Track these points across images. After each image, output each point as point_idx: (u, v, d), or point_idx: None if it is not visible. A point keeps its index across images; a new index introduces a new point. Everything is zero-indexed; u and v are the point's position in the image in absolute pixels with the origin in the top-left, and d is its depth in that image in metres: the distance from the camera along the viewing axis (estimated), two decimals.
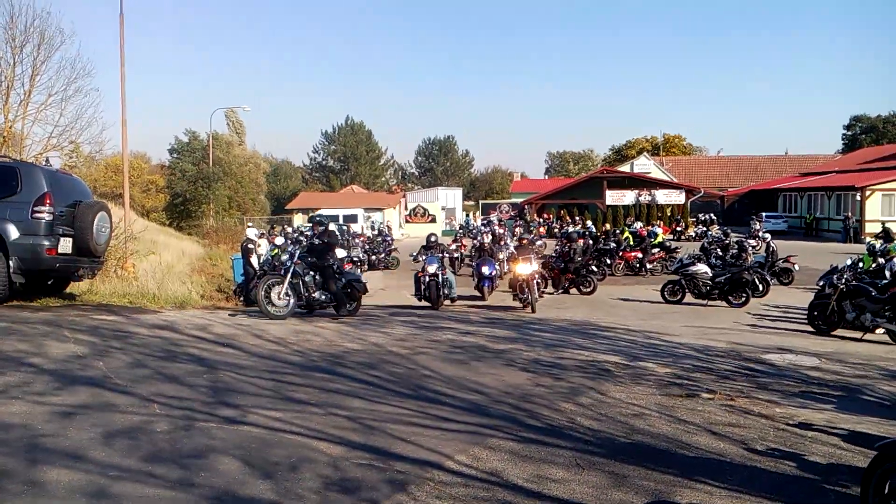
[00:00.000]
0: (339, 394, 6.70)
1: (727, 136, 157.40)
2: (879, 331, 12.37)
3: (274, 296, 11.84)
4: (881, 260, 15.06)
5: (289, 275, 11.91)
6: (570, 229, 28.36)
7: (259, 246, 19.74)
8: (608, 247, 24.71)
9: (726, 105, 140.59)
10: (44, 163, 14.46)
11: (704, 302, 16.85)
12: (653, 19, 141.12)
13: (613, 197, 47.62)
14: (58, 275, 12.05)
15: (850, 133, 79.87)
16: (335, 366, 7.96)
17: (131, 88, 76.81)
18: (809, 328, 13.13)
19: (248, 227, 24.40)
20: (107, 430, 5.28)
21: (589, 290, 19.47)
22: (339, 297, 12.47)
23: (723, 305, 16.59)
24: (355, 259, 21.71)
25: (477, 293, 18.07)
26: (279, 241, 21.02)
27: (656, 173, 57.93)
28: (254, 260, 18.60)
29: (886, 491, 3.97)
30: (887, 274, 13.20)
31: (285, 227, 35.86)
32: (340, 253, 19.72)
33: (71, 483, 4.30)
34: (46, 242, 10.77)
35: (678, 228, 42.09)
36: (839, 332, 12.80)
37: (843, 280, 12.80)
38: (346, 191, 71.44)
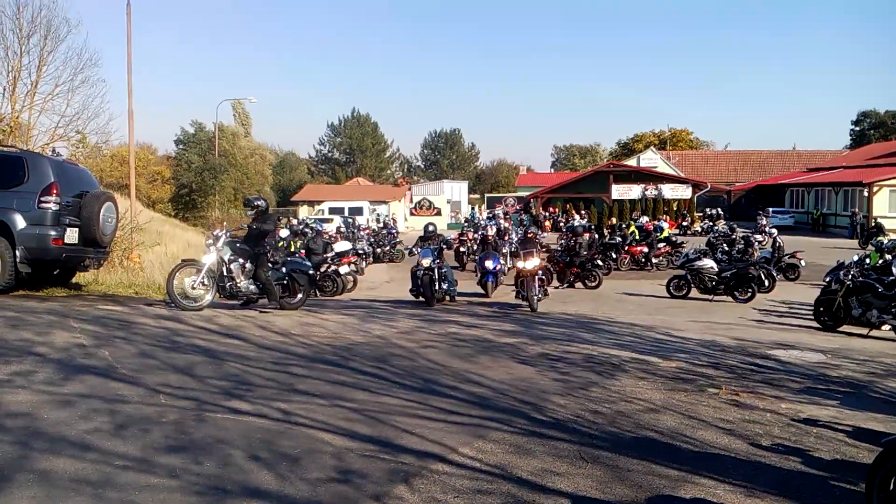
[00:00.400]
0: (345, 386, 6.71)
1: (734, 131, 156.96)
2: (886, 327, 12.32)
3: (187, 285, 10.68)
4: (888, 256, 14.98)
5: (208, 262, 10.85)
6: (576, 223, 28.33)
7: None
8: (614, 241, 24.67)
9: (734, 100, 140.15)
10: (50, 153, 14.48)
11: (710, 297, 16.80)
12: (660, 14, 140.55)
13: (619, 191, 47.45)
14: (64, 265, 12.08)
15: (858, 129, 79.43)
16: (340, 358, 7.97)
17: (138, 79, 76.75)
18: (815, 324, 13.09)
19: None
20: (112, 420, 5.30)
21: (594, 284, 19.45)
22: (269, 289, 11.10)
23: (728, 301, 16.55)
24: (360, 251, 21.63)
25: (480, 290, 16.97)
26: (284, 232, 21.05)
27: (663, 168, 57.71)
28: None
29: (892, 487, 3.95)
30: (894, 270, 13.14)
31: (291, 218, 35.86)
32: (344, 245, 19.74)
33: (77, 472, 4.32)
34: (53, 232, 10.80)
35: (684, 223, 41.98)
36: (845, 328, 12.75)
37: (850, 276, 12.75)
38: (352, 183, 71.50)
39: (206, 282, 10.77)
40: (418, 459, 4.84)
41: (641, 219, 33.00)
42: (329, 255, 18.06)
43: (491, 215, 35.34)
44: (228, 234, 11.42)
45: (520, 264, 14.57)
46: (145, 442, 4.90)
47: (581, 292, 18.71)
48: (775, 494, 4.49)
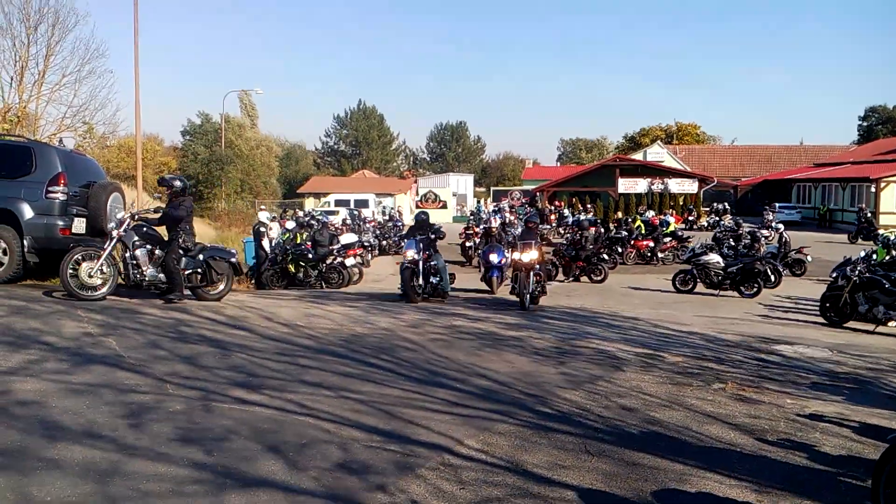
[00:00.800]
0: (350, 377, 6.72)
1: (741, 126, 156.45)
2: (892, 323, 12.29)
3: (83, 273, 9.81)
4: (895, 252, 14.94)
5: (108, 247, 9.95)
6: (582, 217, 28.27)
7: (271, 229, 19.80)
8: (619, 235, 24.62)
9: (741, 94, 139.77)
10: (57, 143, 14.51)
11: (716, 292, 16.77)
12: (668, 6, 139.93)
13: (626, 185, 47.36)
14: None
15: (865, 124, 79.07)
16: (346, 349, 7.99)
17: (145, 70, 76.59)
18: (821, 320, 13.06)
19: (261, 210, 24.46)
20: (120, 409, 5.33)
21: (600, 278, 19.42)
22: (174, 278, 10.14)
23: (734, 296, 16.51)
24: (366, 244, 21.64)
25: (485, 286, 15.95)
26: (290, 224, 21.10)
27: (669, 162, 57.60)
28: (265, 243, 18.67)
29: None
30: None
31: (297, 210, 35.89)
32: (350, 238, 19.75)
33: (85, 460, 4.34)
34: (60, 222, 10.82)
35: (690, 218, 41.87)
36: (851, 324, 12.72)
37: (857, 272, 12.71)
38: (358, 175, 71.50)
39: (104, 269, 9.94)
40: (425, 451, 4.85)
41: (647, 213, 32.95)
42: (335, 247, 18.09)
43: (497, 208, 35.26)
44: (137, 216, 10.47)
45: (515, 256, 13.39)
46: (153, 431, 4.93)
47: (586, 286, 18.69)
48: (781, 489, 4.50)
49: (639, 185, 47.23)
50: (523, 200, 52.15)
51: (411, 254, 13.13)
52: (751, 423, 5.88)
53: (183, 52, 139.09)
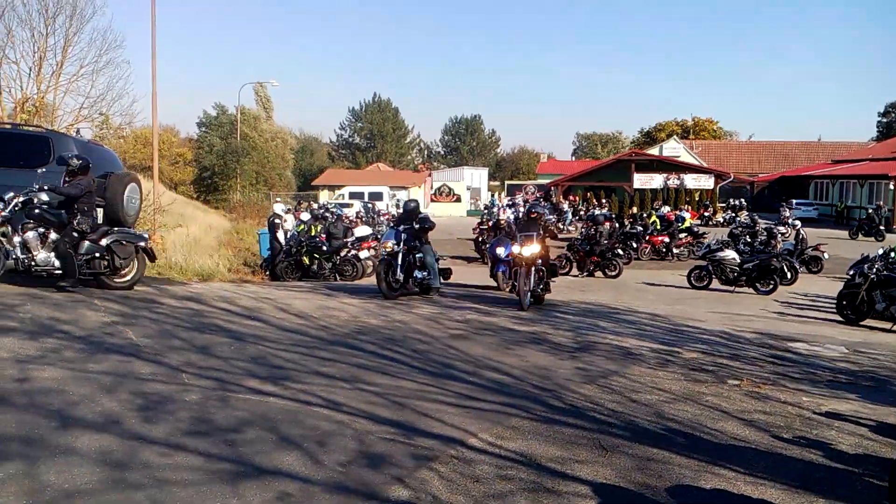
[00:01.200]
0: (365, 369, 6.74)
1: (759, 121, 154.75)
2: None
3: None
4: None
5: None
6: (597, 212, 28.18)
7: (286, 221, 19.90)
8: (635, 230, 24.54)
9: (759, 90, 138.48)
10: (74, 133, 14.61)
11: (731, 288, 16.69)
12: (686, 1, 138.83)
13: (641, 180, 47.08)
14: None
15: (885, 120, 78.09)
16: (361, 342, 8.01)
17: (161, 62, 77.28)
18: (838, 317, 12.97)
19: (276, 202, 24.57)
20: (137, 399, 5.37)
21: (614, 273, 19.38)
22: (68, 265, 9.41)
23: (750, 292, 16.42)
24: (380, 236, 21.62)
25: (493, 282, 14.86)
26: (305, 216, 21.18)
27: (686, 157, 57.17)
28: (280, 235, 18.78)
29: None
30: None
31: (311, 202, 35.98)
32: (364, 230, 19.77)
33: (101, 448, 4.38)
34: None
35: (706, 214, 41.62)
36: (868, 322, 12.63)
37: (874, 270, 12.61)
38: (372, 168, 71.58)
39: None
40: (439, 444, 4.86)
41: (663, 208, 32.81)
42: (349, 239, 18.16)
43: (511, 202, 35.17)
44: (27, 195, 9.44)
45: (515, 249, 11.91)
46: (169, 420, 4.96)
47: (601, 281, 18.65)
48: (797, 487, 4.47)
49: (654, 181, 46.92)
50: (538, 195, 52.01)
51: (390, 244, 12.09)
52: (766, 420, 5.85)
53: (199, 44, 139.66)
